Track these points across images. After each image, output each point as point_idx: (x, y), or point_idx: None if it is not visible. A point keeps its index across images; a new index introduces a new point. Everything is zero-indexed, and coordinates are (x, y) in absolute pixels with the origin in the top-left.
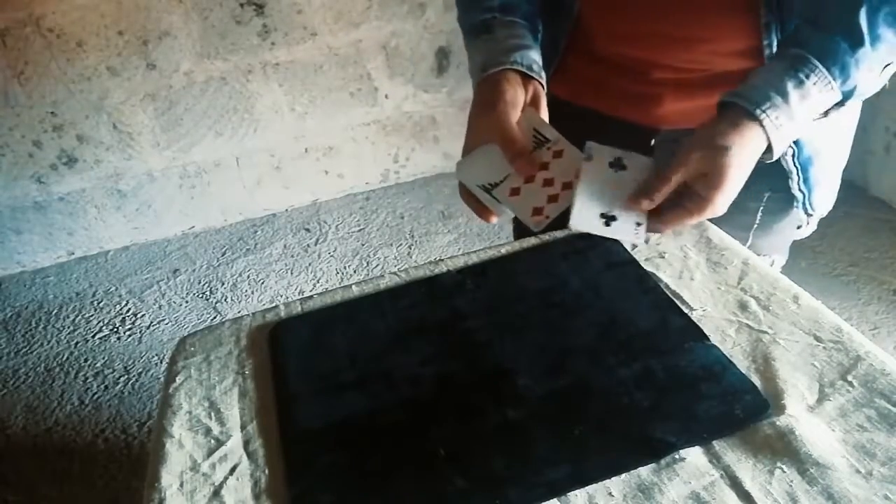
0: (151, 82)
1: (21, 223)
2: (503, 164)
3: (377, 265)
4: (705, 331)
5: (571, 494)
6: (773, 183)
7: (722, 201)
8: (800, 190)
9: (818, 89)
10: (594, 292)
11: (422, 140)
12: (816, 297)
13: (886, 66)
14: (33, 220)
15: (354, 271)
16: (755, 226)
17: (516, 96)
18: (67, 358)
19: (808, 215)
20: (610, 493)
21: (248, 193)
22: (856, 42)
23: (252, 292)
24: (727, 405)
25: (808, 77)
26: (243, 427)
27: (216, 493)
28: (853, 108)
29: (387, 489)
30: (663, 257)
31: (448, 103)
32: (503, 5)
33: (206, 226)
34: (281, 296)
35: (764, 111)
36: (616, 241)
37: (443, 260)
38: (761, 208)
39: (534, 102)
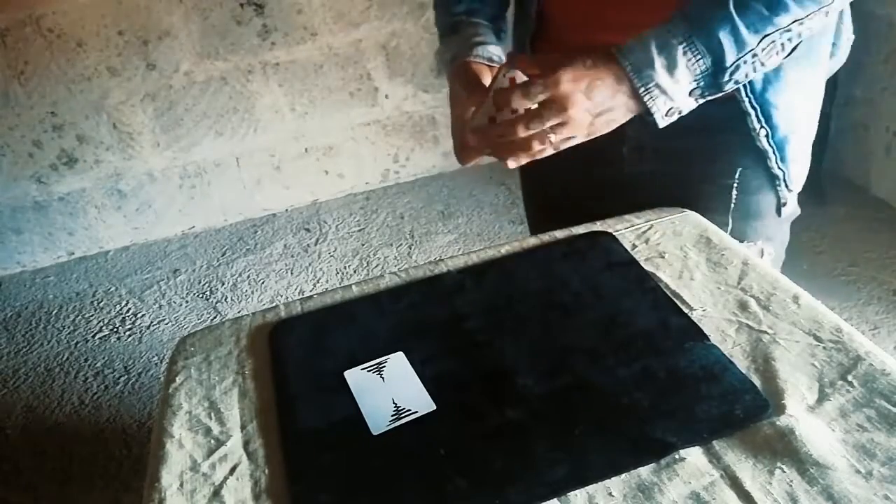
0: (151, 82)
1: (21, 223)
2: None
3: (377, 265)
4: (705, 331)
5: (571, 494)
6: (744, 160)
7: (563, 94)
8: (779, 168)
9: (678, 46)
10: (594, 292)
11: (422, 140)
12: (816, 297)
13: (765, 38)
14: (33, 220)
15: (354, 271)
16: (732, 205)
17: (478, 78)
18: (67, 358)
19: (790, 191)
20: (610, 493)
21: (248, 193)
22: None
23: (252, 292)
24: (727, 405)
25: (668, 31)
26: (243, 427)
27: (216, 493)
28: (817, 87)
29: (387, 489)
30: (663, 257)
31: (448, 103)
32: (468, 10)
33: (206, 226)
34: (281, 296)
35: (620, 51)
36: (616, 240)
37: (443, 260)
38: (736, 185)
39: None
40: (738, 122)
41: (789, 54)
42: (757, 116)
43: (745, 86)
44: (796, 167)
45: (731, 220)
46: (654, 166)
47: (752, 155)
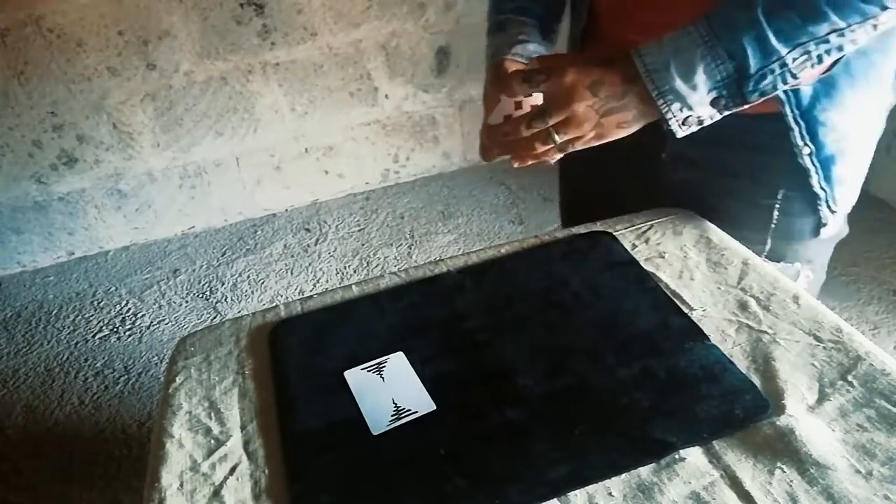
0: (151, 82)
1: (21, 223)
2: None
3: (377, 265)
4: (705, 331)
5: (571, 494)
6: (788, 182)
7: (567, 84)
8: (821, 188)
9: (692, 41)
10: (594, 292)
11: (422, 140)
12: (816, 297)
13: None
14: (33, 220)
15: (354, 271)
16: (772, 226)
17: (507, 75)
18: (67, 358)
19: (832, 212)
20: (610, 493)
21: (248, 193)
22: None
23: (252, 292)
24: (727, 405)
25: (689, 33)
26: (243, 427)
27: (216, 493)
28: (876, 108)
29: (387, 489)
30: (663, 257)
31: (448, 103)
32: (518, 7)
33: (206, 226)
34: (281, 296)
35: (637, 52)
36: (616, 240)
37: (443, 260)
38: (777, 206)
39: None
40: (783, 140)
41: (830, 68)
42: (801, 133)
43: (790, 100)
44: (843, 189)
45: (769, 241)
46: (693, 177)
47: (797, 176)
